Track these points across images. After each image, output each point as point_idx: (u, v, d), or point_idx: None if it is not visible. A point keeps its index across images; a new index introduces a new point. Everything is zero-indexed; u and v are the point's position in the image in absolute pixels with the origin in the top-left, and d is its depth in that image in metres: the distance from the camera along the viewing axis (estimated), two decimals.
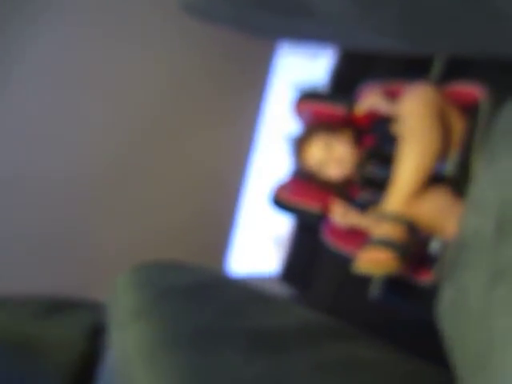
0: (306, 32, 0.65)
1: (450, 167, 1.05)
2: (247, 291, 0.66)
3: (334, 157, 1.21)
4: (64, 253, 1.38)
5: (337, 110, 1.26)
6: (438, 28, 0.52)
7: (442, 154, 1.02)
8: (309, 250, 1.47)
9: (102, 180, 1.41)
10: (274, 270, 1.74)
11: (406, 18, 0.49)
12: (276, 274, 1.71)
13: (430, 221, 1.02)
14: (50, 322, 0.76)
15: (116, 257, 1.45)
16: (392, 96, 1.15)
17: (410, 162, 1.01)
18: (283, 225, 1.75)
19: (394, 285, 1.15)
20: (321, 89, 1.57)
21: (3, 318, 0.73)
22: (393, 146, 1.09)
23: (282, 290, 1.62)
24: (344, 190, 1.25)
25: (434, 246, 1.05)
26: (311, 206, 1.27)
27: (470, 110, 1.05)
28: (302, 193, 1.30)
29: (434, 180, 1.03)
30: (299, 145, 1.27)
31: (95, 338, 0.74)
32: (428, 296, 0.86)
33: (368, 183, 1.19)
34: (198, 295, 0.61)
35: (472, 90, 1.06)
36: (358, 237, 1.17)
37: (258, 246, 1.82)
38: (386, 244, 1.01)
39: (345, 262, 1.13)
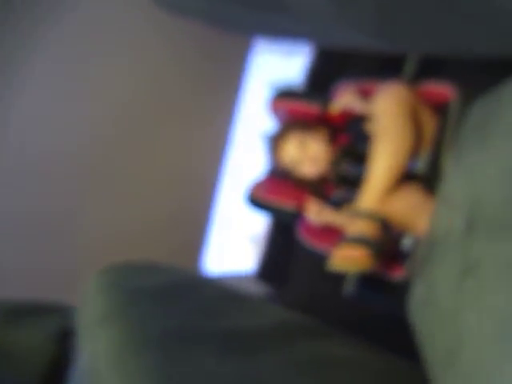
0: (281, 28, 0.65)
1: (421, 165, 1.07)
2: (221, 291, 0.65)
3: (309, 155, 1.21)
4: (31, 256, 1.34)
5: (312, 108, 1.27)
6: (413, 26, 0.52)
7: (414, 152, 1.04)
8: (285, 248, 1.48)
9: (71, 180, 1.38)
10: (251, 268, 1.74)
11: (382, 15, 0.49)
12: (252, 273, 1.71)
13: (402, 218, 1.04)
14: (18, 327, 0.74)
15: (88, 258, 1.42)
16: (366, 95, 1.16)
17: (383, 161, 1.02)
18: (259, 223, 1.75)
19: (368, 281, 1.16)
20: (296, 87, 1.57)
21: None
22: (367, 145, 1.10)
23: (259, 289, 1.62)
24: (319, 187, 1.26)
25: (406, 243, 1.07)
26: (286, 204, 1.27)
27: (441, 109, 1.07)
28: (277, 191, 1.30)
29: (406, 178, 1.05)
30: (274, 143, 1.27)
31: (65, 341, 0.73)
32: (401, 291, 0.87)
33: (342, 181, 1.19)
34: (168, 296, 0.60)
35: (443, 89, 1.08)
36: (333, 234, 1.17)
37: (233, 244, 1.81)
38: (360, 241, 1.02)
39: (320, 260, 1.14)
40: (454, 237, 0.46)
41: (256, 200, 1.31)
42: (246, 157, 1.72)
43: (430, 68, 1.12)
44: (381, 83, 1.09)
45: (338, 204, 1.20)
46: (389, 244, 1.06)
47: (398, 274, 1.09)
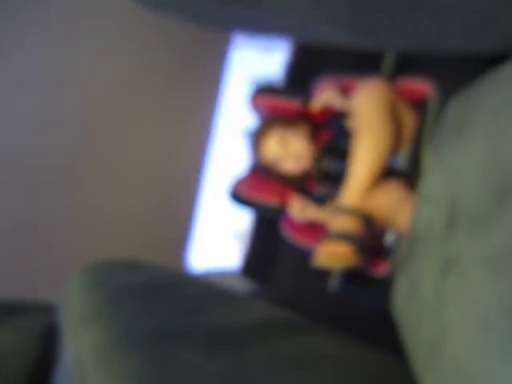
0: (257, 24, 0.65)
1: (401, 161, 1.08)
2: (205, 288, 0.65)
3: (290, 151, 1.21)
4: (12, 253, 1.32)
5: (292, 104, 1.27)
6: (387, 21, 0.53)
7: (394, 148, 1.05)
8: (269, 244, 1.48)
9: (52, 176, 1.36)
10: (235, 264, 1.74)
11: (357, 11, 0.50)
12: (237, 269, 1.71)
13: (384, 213, 1.05)
14: (2, 326, 0.73)
15: (71, 254, 1.40)
16: (346, 91, 1.17)
17: (364, 157, 1.03)
18: (243, 219, 1.75)
19: (352, 277, 1.17)
20: (276, 82, 1.57)
21: None
22: (348, 141, 1.11)
23: (243, 285, 1.62)
24: (301, 184, 1.27)
25: (389, 238, 1.08)
26: (270, 200, 1.28)
27: (419, 105, 1.08)
28: (260, 187, 1.30)
29: (387, 174, 1.06)
30: (255, 139, 1.27)
31: (49, 339, 0.72)
32: (385, 287, 0.88)
33: (325, 177, 1.20)
34: (152, 294, 0.59)
35: (421, 86, 1.09)
36: (317, 230, 1.18)
37: (218, 240, 1.81)
38: (344, 237, 1.03)
39: (304, 256, 1.14)
40: (434, 233, 0.46)
41: (239, 196, 1.31)
42: (228, 152, 1.71)
43: (408, 64, 1.13)
44: (360, 79, 1.10)
45: (321, 200, 1.21)
46: (372, 240, 1.07)
47: (381, 270, 1.10)
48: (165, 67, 1.51)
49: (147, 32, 1.43)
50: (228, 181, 1.34)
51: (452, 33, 0.50)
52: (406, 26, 0.51)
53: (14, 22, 1.20)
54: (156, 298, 0.59)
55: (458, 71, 0.87)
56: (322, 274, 1.19)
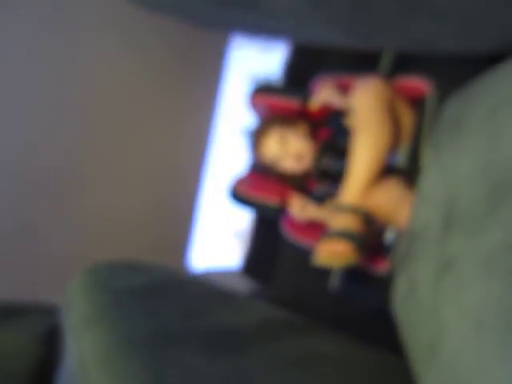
0: (255, 26, 0.65)
1: (401, 159, 1.08)
2: (206, 289, 0.65)
3: (290, 151, 1.21)
4: (12, 255, 1.33)
5: (291, 103, 1.27)
6: (386, 23, 0.53)
7: (393, 145, 1.05)
8: (269, 243, 1.48)
9: (52, 178, 1.37)
10: (236, 264, 1.74)
11: (356, 13, 0.50)
12: (237, 268, 1.71)
13: (384, 211, 1.05)
14: (3, 328, 0.74)
15: (72, 255, 1.41)
16: (344, 89, 1.17)
17: (363, 155, 1.03)
18: (244, 218, 1.75)
19: (353, 275, 1.17)
20: (275, 81, 1.57)
21: None
22: (347, 139, 1.11)
23: (244, 284, 1.63)
24: (301, 183, 1.27)
25: (389, 236, 1.08)
26: (270, 199, 1.28)
27: (417, 103, 1.09)
28: (260, 187, 1.30)
29: (386, 171, 1.06)
30: (255, 139, 1.27)
31: (51, 341, 0.72)
32: (385, 285, 0.88)
33: (324, 176, 1.20)
34: (153, 296, 0.60)
35: (419, 83, 1.09)
36: (317, 229, 1.18)
37: (218, 240, 1.81)
38: (344, 236, 1.03)
39: (305, 255, 1.14)
40: (431, 233, 0.46)
41: (239, 196, 1.31)
42: (228, 152, 1.71)
43: (406, 63, 1.13)
44: (358, 78, 1.10)
45: (320, 199, 1.21)
46: (372, 238, 1.08)
47: (381, 268, 1.11)
48: (163, 67, 1.51)
49: (145, 32, 1.43)
50: (228, 180, 1.35)
51: (450, 34, 0.50)
52: (404, 29, 0.51)
53: (13, 22, 1.20)
54: (157, 299, 0.59)
55: (456, 69, 0.87)
56: (323, 273, 1.19)
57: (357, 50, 0.70)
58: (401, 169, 1.08)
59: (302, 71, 1.37)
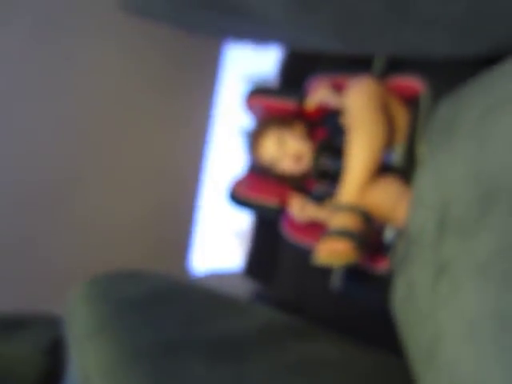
0: (247, 32, 0.65)
1: (397, 157, 1.09)
2: (206, 296, 0.66)
3: (288, 151, 1.22)
4: (14, 266, 1.33)
5: (287, 104, 1.27)
6: (376, 31, 0.53)
7: (388, 144, 1.06)
8: (270, 244, 1.49)
9: (51, 186, 1.37)
10: (238, 264, 1.75)
11: (344, 22, 0.50)
12: (239, 270, 1.71)
13: (382, 209, 1.05)
14: (7, 340, 0.74)
15: (73, 263, 1.41)
16: (339, 89, 1.17)
17: (358, 154, 1.04)
18: (244, 219, 1.76)
19: (354, 274, 1.18)
20: (271, 81, 1.57)
21: None
22: (344, 138, 1.11)
23: (246, 286, 1.63)
24: (300, 183, 1.27)
25: (389, 235, 1.09)
26: (269, 200, 1.28)
27: (411, 101, 1.09)
28: (258, 188, 1.31)
29: (383, 170, 1.07)
30: (252, 141, 1.27)
31: (55, 352, 0.73)
32: (385, 284, 0.89)
33: (322, 175, 1.20)
34: (155, 306, 0.60)
35: (412, 82, 1.09)
36: (317, 229, 1.19)
37: (219, 241, 1.82)
38: (344, 234, 1.04)
39: (305, 255, 1.15)
40: (426, 237, 0.47)
41: (238, 198, 1.31)
42: (226, 153, 1.72)
43: (399, 62, 1.13)
44: (352, 78, 1.10)
45: (320, 198, 1.21)
46: (372, 236, 1.08)
47: (382, 266, 1.11)
48: (158, 70, 1.51)
49: (139, 35, 1.43)
50: (227, 181, 1.35)
51: (439, 41, 0.50)
52: (394, 36, 0.51)
53: (11, 30, 1.20)
54: (157, 308, 0.60)
55: (450, 67, 0.87)
56: (324, 273, 1.19)
57: (350, 54, 0.71)
58: (397, 167, 1.08)
59: (297, 72, 1.37)
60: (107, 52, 1.40)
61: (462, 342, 0.36)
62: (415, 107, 1.06)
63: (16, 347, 0.73)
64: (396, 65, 1.14)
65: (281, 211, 1.27)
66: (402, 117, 1.09)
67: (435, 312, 0.42)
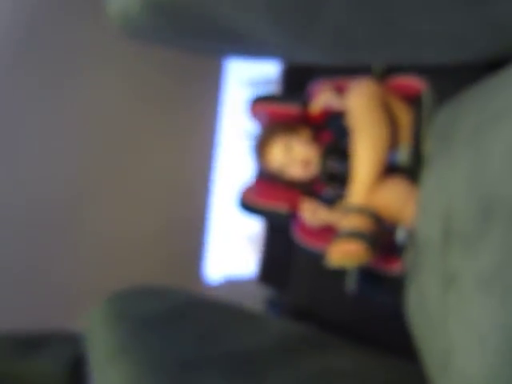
0: (246, 52, 0.66)
1: (402, 156, 1.09)
2: (222, 310, 0.67)
3: (295, 157, 1.22)
4: (31, 285, 1.35)
5: (291, 109, 1.28)
6: (367, 46, 0.54)
7: (393, 143, 1.06)
8: (283, 250, 1.49)
9: (63, 204, 1.39)
10: (252, 270, 1.75)
11: (338, 39, 0.51)
12: (253, 276, 1.72)
13: (391, 210, 1.05)
14: (29, 358, 0.76)
15: (89, 280, 1.43)
16: (341, 91, 1.18)
17: (363, 156, 1.04)
18: (256, 225, 1.76)
19: (368, 276, 1.18)
20: (273, 87, 1.58)
21: None
22: (349, 140, 1.12)
23: (261, 292, 1.64)
24: (309, 187, 1.27)
25: (400, 235, 1.09)
26: (278, 206, 1.29)
27: (414, 100, 1.09)
28: (268, 194, 1.31)
29: (389, 170, 1.07)
30: (259, 148, 1.28)
31: (76, 368, 0.74)
32: (400, 285, 0.89)
33: (331, 178, 1.21)
34: (171, 323, 0.61)
35: (413, 81, 1.10)
36: (328, 232, 1.19)
37: (233, 248, 1.83)
38: (355, 235, 1.04)
39: (318, 259, 1.15)
40: (433, 246, 0.47)
41: (248, 205, 1.32)
42: (234, 160, 1.73)
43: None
44: (352, 80, 1.11)
45: (330, 201, 1.22)
46: (383, 237, 1.08)
47: (396, 268, 1.11)
48: (161, 84, 1.53)
49: (142, 50, 1.44)
50: (236, 189, 1.36)
51: (432, 54, 0.51)
52: (386, 50, 0.52)
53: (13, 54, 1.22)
54: (174, 325, 0.61)
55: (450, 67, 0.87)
56: (338, 276, 1.19)
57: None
58: (403, 166, 1.08)
59: (299, 76, 1.37)
60: (110, 69, 1.41)
61: (473, 353, 0.37)
62: (418, 106, 1.06)
63: (38, 365, 0.75)
64: (396, 65, 1.14)
65: (291, 216, 1.28)
66: (405, 116, 1.09)
67: (446, 322, 0.42)
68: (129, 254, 1.54)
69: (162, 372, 0.53)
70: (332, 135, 1.23)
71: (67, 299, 1.39)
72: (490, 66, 0.63)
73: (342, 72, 1.20)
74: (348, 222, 1.07)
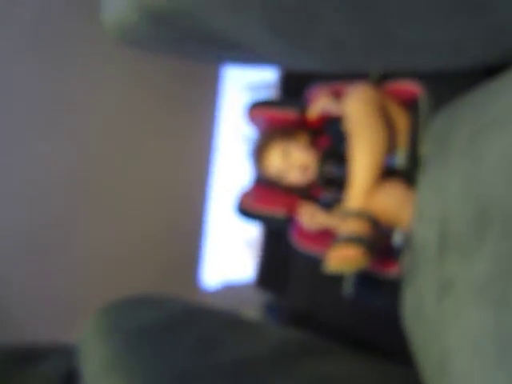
0: (243, 59, 0.66)
1: (400, 160, 1.09)
2: (217, 318, 0.66)
3: (294, 163, 1.22)
4: (27, 298, 1.34)
5: (289, 114, 1.28)
6: (361, 56, 0.54)
7: (390, 147, 1.06)
8: (281, 254, 1.49)
9: (56, 212, 1.39)
10: (249, 275, 1.75)
11: (333, 49, 0.51)
12: (251, 280, 1.72)
13: (389, 213, 1.06)
14: (24, 371, 0.75)
15: (86, 288, 1.42)
16: (338, 96, 1.18)
17: (361, 160, 1.05)
18: (254, 229, 1.76)
19: (366, 280, 1.18)
20: (271, 91, 1.58)
21: None
22: (346, 145, 1.12)
23: (259, 297, 1.63)
24: (307, 191, 1.28)
25: (397, 238, 1.09)
26: (276, 211, 1.29)
27: (411, 105, 1.10)
28: (265, 199, 1.31)
29: (387, 174, 1.07)
30: (257, 154, 1.28)
31: (70, 382, 0.74)
32: (397, 288, 0.89)
33: (329, 183, 1.21)
34: (166, 333, 0.60)
35: (410, 86, 1.10)
36: (326, 236, 1.19)
37: (230, 253, 1.83)
38: (353, 240, 1.04)
39: (316, 263, 1.15)
40: (429, 251, 0.47)
41: (245, 210, 1.32)
42: (232, 165, 1.73)
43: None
44: (349, 85, 1.12)
45: (328, 205, 1.22)
46: (381, 240, 1.08)
47: (393, 271, 1.11)
48: (159, 87, 1.53)
49: (140, 54, 1.44)
50: (234, 194, 1.36)
51: (426, 61, 0.51)
52: (380, 59, 0.52)
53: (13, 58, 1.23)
54: (169, 336, 0.60)
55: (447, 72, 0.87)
56: (336, 280, 1.19)
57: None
58: (401, 170, 1.09)
59: (296, 81, 1.38)
60: (109, 73, 1.42)
61: (468, 361, 0.37)
62: (415, 110, 1.07)
63: (32, 378, 0.74)
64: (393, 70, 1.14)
65: (289, 221, 1.28)
66: (402, 120, 1.10)
67: (443, 327, 0.42)
68: (125, 261, 1.54)
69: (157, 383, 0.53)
70: (330, 140, 1.23)
71: (63, 311, 1.38)
72: (487, 72, 0.63)
73: (340, 77, 1.20)
74: (346, 226, 1.07)
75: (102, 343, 0.61)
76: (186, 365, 0.55)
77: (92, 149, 1.43)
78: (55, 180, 1.37)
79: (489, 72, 0.63)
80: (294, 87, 1.38)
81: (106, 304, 0.71)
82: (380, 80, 1.16)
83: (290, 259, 1.45)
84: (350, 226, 1.06)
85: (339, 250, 1.05)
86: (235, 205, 1.33)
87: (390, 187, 1.07)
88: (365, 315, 1.19)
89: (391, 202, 1.06)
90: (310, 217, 1.21)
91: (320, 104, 1.20)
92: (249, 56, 0.62)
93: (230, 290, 1.70)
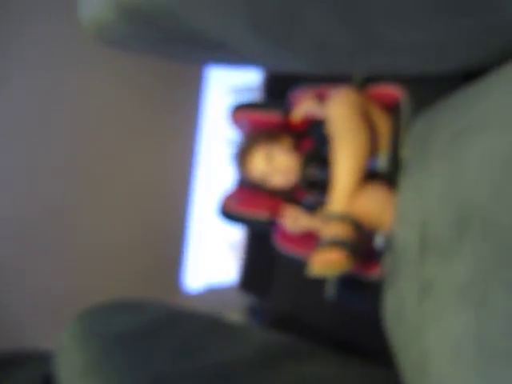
0: (226, 60, 0.66)
1: (382, 163, 1.10)
2: (200, 323, 0.65)
3: (277, 166, 1.22)
4: (3, 303, 1.31)
5: (273, 117, 1.28)
6: (345, 58, 0.54)
7: (372, 151, 1.07)
8: (264, 257, 1.49)
9: (40, 212, 1.36)
10: (233, 278, 1.74)
11: (316, 51, 0.51)
12: (234, 283, 1.71)
13: (371, 216, 1.06)
14: (1, 378, 0.73)
15: (66, 293, 1.40)
16: (322, 99, 1.19)
17: (343, 163, 1.05)
18: (237, 232, 1.76)
19: (348, 282, 1.18)
20: (255, 94, 1.58)
21: None
22: (330, 148, 1.12)
23: (242, 299, 1.63)
24: (290, 194, 1.28)
25: (379, 241, 1.09)
26: (259, 213, 1.29)
27: (393, 108, 1.11)
28: (249, 202, 1.31)
29: (369, 176, 1.08)
30: (241, 157, 1.28)
31: None
32: (379, 290, 0.89)
33: (311, 186, 1.21)
34: (147, 338, 0.59)
35: (392, 90, 1.11)
36: (309, 239, 1.19)
37: (213, 256, 1.82)
38: (337, 244, 1.04)
39: (299, 266, 1.15)
40: (410, 253, 0.47)
41: (228, 213, 1.32)
42: (215, 167, 1.72)
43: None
44: (332, 88, 1.12)
45: (311, 208, 1.22)
46: (363, 243, 1.09)
47: (375, 273, 1.12)
48: (143, 88, 1.52)
49: (121, 55, 1.43)
50: (217, 196, 1.35)
51: (407, 64, 0.52)
52: (362, 61, 0.53)
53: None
54: (149, 341, 0.59)
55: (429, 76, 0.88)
56: (319, 282, 1.20)
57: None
58: (383, 173, 1.10)
59: (281, 83, 1.38)
60: (94, 73, 1.40)
61: (448, 362, 0.37)
62: (396, 114, 1.08)
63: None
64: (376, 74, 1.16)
65: (272, 224, 1.28)
66: (384, 124, 1.11)
67: (423, 329, 0.43)
68: (106, 263, 1.52)
69: None
70: (313, 143, 1.24)
71: (41, 316, 1.35)
72: (466, 77, 0.64)
73: (324, 80, 1.21)
74: (329, 230, 1.07)
75: (78, 350, 0.60)
76: (163, 369, 0.54)
77: (72, 152, 1.41)
78: (35, 183, 1.35)
79: (467, 77, 0.64)
80: (278, 90, 1.39)
81: (83, 310, 0.70)
82: (363, 84, 1.17)
83: (274, 262, 1.45)
84: (333, 230, 1.07)
85: (323, 253, 1.05)
86: (218, 207, 1.33)
87: (372, 190, 1.07)
88: (347, 317, 1.19)
89: (373, 204, 1.06)
90: (293, 220, 1.21)
91: (304, 107, 1.20)
92: (233, 57, 0.61)
93: (213, 292, 1.69)
